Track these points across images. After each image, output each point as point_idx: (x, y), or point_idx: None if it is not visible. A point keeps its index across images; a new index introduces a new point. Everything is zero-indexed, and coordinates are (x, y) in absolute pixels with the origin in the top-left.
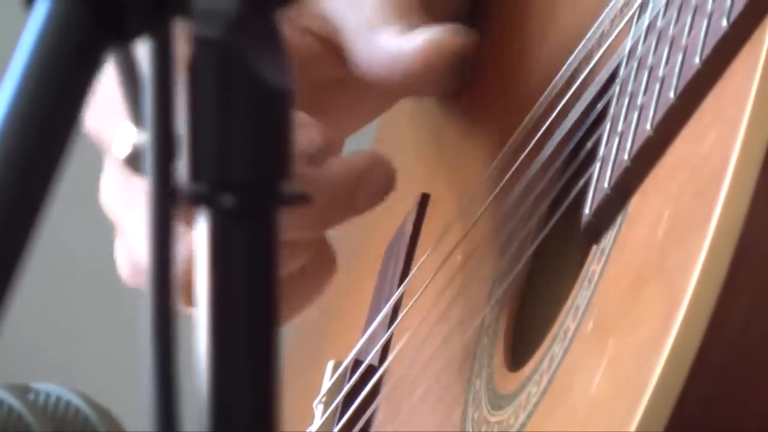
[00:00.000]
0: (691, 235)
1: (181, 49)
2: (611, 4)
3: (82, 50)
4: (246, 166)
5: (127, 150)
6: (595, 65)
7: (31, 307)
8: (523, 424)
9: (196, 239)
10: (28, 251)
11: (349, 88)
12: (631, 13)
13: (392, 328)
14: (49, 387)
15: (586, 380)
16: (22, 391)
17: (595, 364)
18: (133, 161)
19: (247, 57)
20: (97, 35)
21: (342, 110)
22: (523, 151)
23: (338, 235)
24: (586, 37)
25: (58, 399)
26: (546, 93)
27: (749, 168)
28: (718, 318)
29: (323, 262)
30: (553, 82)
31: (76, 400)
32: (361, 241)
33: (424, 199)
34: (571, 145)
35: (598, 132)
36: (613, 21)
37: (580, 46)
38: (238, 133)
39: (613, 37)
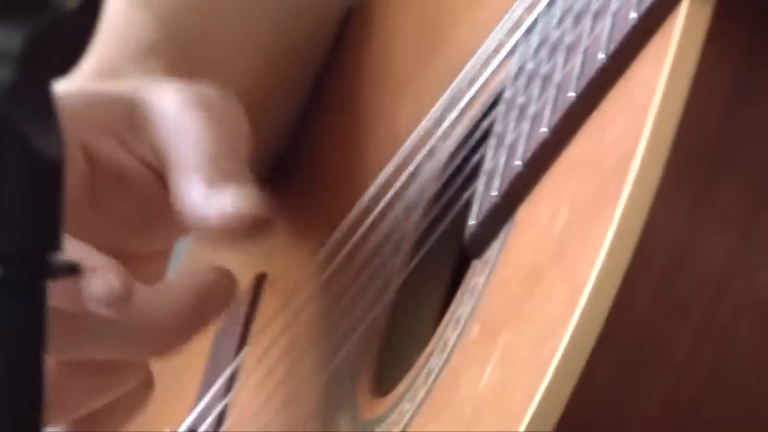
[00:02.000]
0: (594, 221)
1: None
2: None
3: None
4: (15, 238)
5: None
6: (469, 102)
7: None
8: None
9: None
10: None
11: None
12: (507, 46)
13: (227, 398)
14: None
15: (473, 379)
16: None
17: (485, 361)
18: None
19: (20, 128)
20: None
21: (160, 233)
22: (383, 199)
23: None
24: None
25: None
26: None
27: (659, 148)
28: (624, 297)
29: (147, 387)
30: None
31: None
32: None
33: (260, 279)
34: (440, 184)
35: (467, 168)
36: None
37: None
38: (8, 205)
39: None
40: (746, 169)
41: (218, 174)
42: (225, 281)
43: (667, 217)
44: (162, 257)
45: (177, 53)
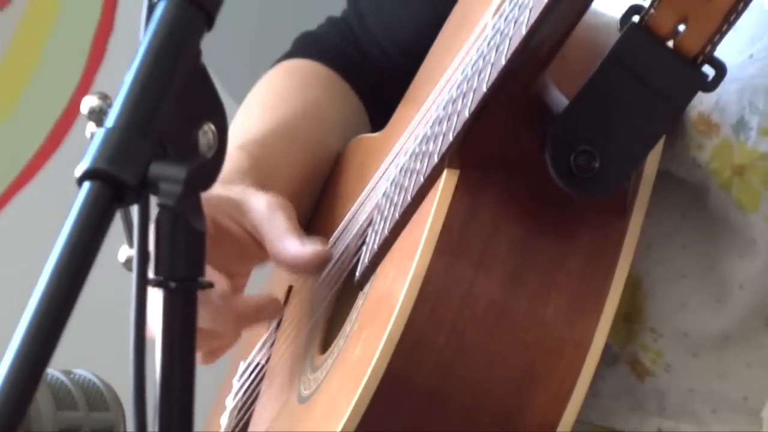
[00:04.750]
0: (400, 280)
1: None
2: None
3: (106, 209)
4: (182, 268)
5: (124, 258)
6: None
7: None
8: (326, 376)
9: (158, 305)
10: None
11: (256, 257)
12: (376, 181)
13: (274, 335)
14: (79, 370)
15: (352, 350)
16: (68, 373)
17: (356, 343)
18: (128, 264)
19: (184, 215)
20: (112, 201)
21: (249, 266)
22: (336, 250)
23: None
24: (361, 195)
25: (84, 377)
26: (343, 223)
27: (430, 246)
28: (415, 313)
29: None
30: (345, 219)
31: (93, 377)
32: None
33: (289, 289)
34: (356, 246)
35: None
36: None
37: (358, 201)
38: (180, 251)
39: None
40: (474, 249)
41: (299, 235)
42: (274, 305)
43: (435, 274)
44: (245, 277)
45: (257, 174)
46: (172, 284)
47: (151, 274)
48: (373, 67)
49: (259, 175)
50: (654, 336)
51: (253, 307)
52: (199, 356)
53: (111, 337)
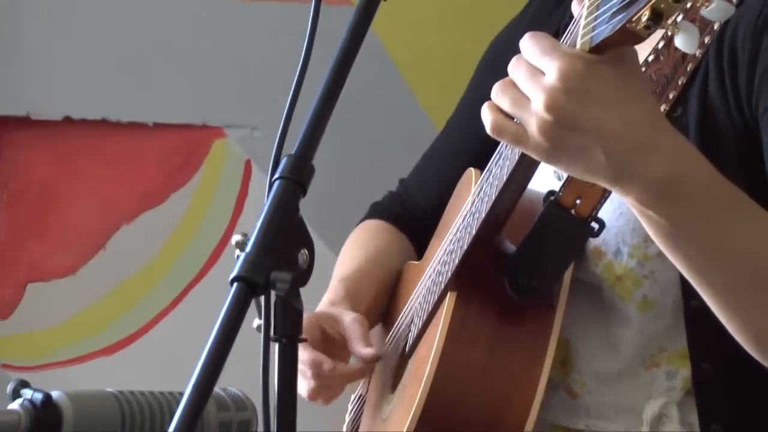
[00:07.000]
0: (429, 353)
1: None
2: (413, 295)
3: (246, 298)
4: (289, 329)
5: (256, 325)
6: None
7: None
8: (394, 406)
9: (277, 353)
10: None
11: (345, 350)
12: (418, 295)
13: (368, 384)
14: (230, 388)
15: (406, 393)
16: (224, 389)
17: (411, 386)
18: (258, 328)
19: (291, 299)
20: (249, 295)
21: (346, 355)
22: (397, 332)
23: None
24: (407, 306)
25: (233, 392)
26: (399, 319)
27: (443, 336)
28: (437, 374)
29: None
30: (401, 316)
31: (238, 392)
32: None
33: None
34: (406, 332)
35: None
36: (417, 298)
37: (407, 305)
38: (287, 321)
39: (416, 302)
40: (468, 335)
41: (366, 342)
42: (361, 370)
43: (447, 351)
44: (346, 359)
45: (351, 298)
46: (284, 340)
47: (271, 334)
48: (416, 220)
49: (352, 299)
50: (579, 374)
51: (347, 374)
52: (322, 399)
53: (251, 368)
